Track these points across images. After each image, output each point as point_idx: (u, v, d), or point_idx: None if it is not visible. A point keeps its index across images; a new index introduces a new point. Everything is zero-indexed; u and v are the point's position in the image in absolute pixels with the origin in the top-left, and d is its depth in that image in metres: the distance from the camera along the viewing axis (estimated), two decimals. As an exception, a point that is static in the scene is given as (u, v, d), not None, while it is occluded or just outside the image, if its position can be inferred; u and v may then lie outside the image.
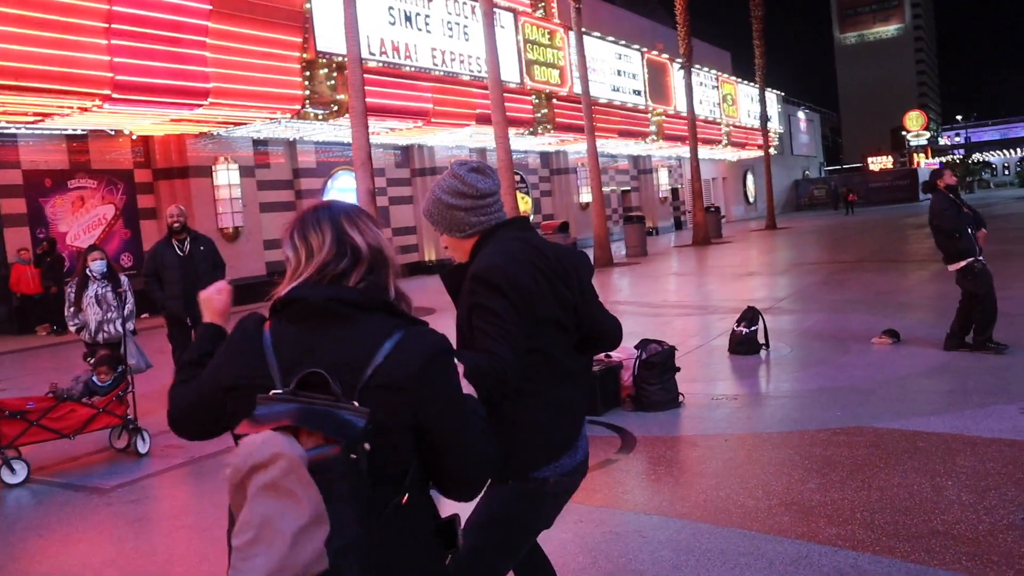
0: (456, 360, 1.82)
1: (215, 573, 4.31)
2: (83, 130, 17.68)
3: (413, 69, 21.78)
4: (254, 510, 1.49)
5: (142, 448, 6.73)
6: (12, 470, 6.15)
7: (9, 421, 6.13)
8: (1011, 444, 5.35)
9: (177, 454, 6.78)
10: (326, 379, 1.61)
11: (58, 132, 17.33)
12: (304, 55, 18.53)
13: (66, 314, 7.51)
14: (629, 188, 39.84)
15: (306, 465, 1.50)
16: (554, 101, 28.04)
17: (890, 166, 79.00)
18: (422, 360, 1.69)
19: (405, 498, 1.69)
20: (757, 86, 41.46)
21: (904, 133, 79.07)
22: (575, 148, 32.11)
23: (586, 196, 33.08)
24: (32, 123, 15.89)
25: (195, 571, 4.38)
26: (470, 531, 2.37)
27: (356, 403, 1.61)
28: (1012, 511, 4.27)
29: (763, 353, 9.09)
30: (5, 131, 16.34)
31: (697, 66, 38.22)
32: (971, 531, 4.07)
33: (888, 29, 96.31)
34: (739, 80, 49.02)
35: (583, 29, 25.18)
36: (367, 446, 1.56)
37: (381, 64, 20.59)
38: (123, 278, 7.67)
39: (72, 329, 7.46)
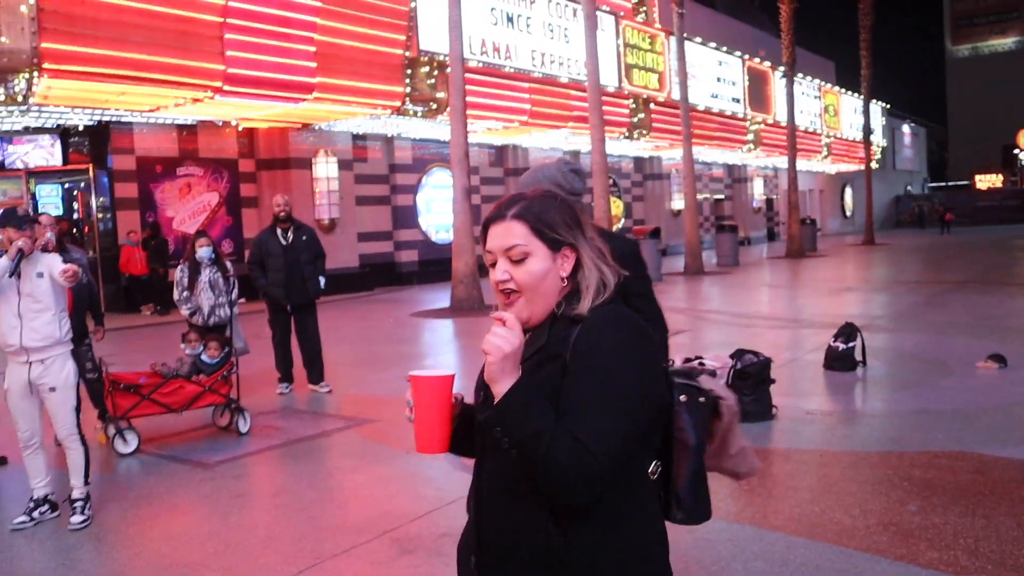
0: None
1: (314, 552, 4.46)
2: (193, 120, 18.37)
3: (513, 70, 21.95)
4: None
5: (243, 427, 6.99)
6: (124, 440, 6.48)
7: (123, 394, 6.46)
8: None
9: (276, 435, 7.02)
10: None
11: (170, 121, 18.05)
12: (406, 53, 18.87)
13: (177, 297, 7.64)
14: (723, 196, 39.28)
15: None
16: (651, 106, 27.87)
17: (999, 185, 75.79)
18: None
19: None
20: (861, 97, 40.30)
21: (1017, 151, 75.75)
22: (669, 154, 31.84)
23: (679, 203, 32.77)
24: (148, 111, 16.59)
25: (294, 549, 4.54)
26: None
27: None
28: None
29: (859, 371, 8.88)
30: (122, 119, 17.10)
31: (800, 75, 37.43)
32: (1083, 566, 3.92)
33: (1005, 42, 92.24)
34: (843, 90, 47.81)
35: (684, 34, 24.94)
36: None
37: (481, 64, 20.82)
38: (228, 264, 7.95)
39: (185, 312, 7.60)
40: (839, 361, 8.94)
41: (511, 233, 1.73)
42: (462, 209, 15.98)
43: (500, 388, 1.61)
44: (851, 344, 8.97)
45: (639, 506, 1.71)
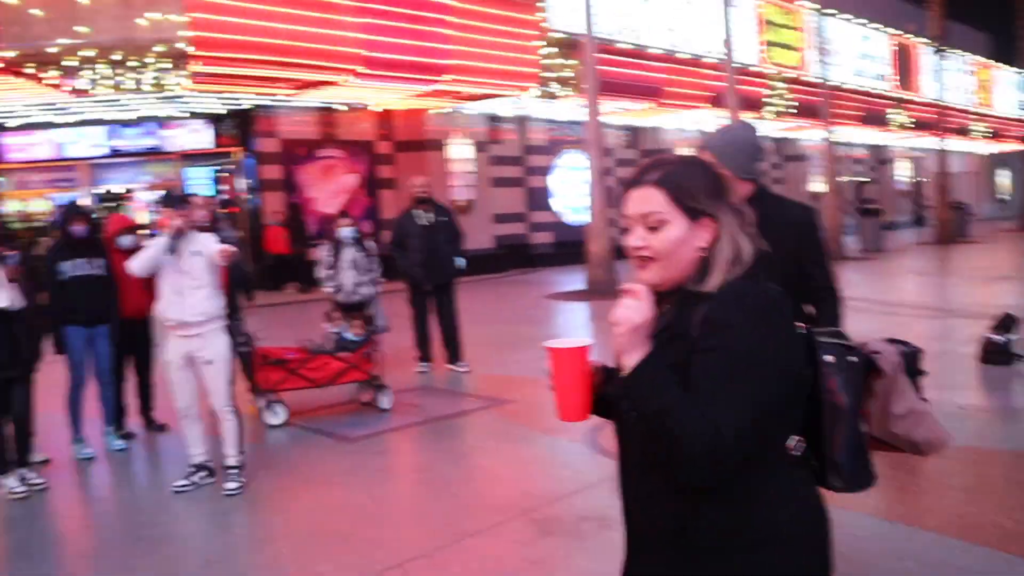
0: None
1: (455, 528, 4.56)
2: (334, 104, 18.93)
3: (647, 49, 21.62)
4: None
5: (385, 404, 7.20)
6: (274, 412, 6.78)
7: (272, 368, 6.76)
8: None
9: (415, 412, 7.20)
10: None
11: (311, 105, 18.67)
12: (540, 34, 18.85)
13: (321, 275, 8.00)
14: (866, 179, 37.61)
15: None
16: (791, 84, 26.94)
17: None
18: None
19: None
20: (1020, 72, 37.70)
21: None
22: (809, 134, 30.72)
23: (819, 185, 31.59)
24: (291, 95, 17.21)
25: (437, 525, 4.65)
26: None
27: None
28: None
29: (1020, 365, 8.35)
30: (267, 104, 17.80)
31: (950, 49, 35.31)
32: None
33: None
34: (999, 65, 44.85)
35: (825, 9, 23.96)
36: None
37: (615, 43, 20.58)
38: (370, 243, 8.19)
39: (328, 291, 7.92)
40: (996, 354, 8.42)
41: (649, 200, 1.69)
42: (597, 191, 15.90)
43: (629, 360, 1.61)
44: (1009, 336, 8.45)
45: (772, 485, 1.66)
